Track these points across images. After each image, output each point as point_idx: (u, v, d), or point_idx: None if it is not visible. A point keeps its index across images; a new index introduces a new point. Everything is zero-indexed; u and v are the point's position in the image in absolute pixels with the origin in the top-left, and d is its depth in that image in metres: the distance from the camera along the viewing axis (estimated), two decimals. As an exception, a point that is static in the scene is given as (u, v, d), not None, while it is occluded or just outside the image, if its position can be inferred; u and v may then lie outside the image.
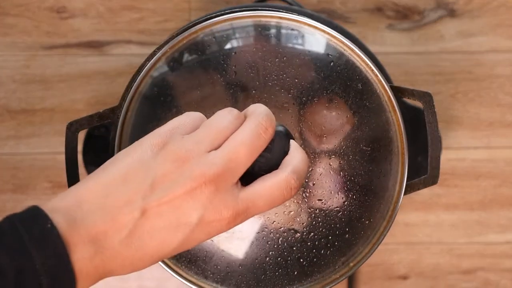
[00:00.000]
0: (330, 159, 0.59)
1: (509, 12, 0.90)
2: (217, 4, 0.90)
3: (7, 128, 0.89)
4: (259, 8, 0.61)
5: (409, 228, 0.91)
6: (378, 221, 0.60)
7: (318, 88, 0.60)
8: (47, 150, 0.90)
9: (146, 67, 0.60)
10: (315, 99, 0.60)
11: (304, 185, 0.59)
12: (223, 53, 0.60)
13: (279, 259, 0.60)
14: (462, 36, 0.90)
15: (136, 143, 0.45)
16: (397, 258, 0.91)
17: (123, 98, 0.60)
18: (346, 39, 0.60)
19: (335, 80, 0.60)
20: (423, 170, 0.61)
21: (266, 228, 0.60)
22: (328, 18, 0.83)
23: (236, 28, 0.60)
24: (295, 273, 0.60)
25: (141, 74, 0.60)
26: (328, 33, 0.60)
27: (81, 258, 0.42)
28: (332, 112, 0.60)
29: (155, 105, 0.61)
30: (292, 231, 0.60)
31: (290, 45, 0.60)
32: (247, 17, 0.60)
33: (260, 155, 0.45)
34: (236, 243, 0.60)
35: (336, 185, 0.59)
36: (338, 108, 0.60)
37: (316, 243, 0.60)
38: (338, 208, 0.60)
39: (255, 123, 0.45)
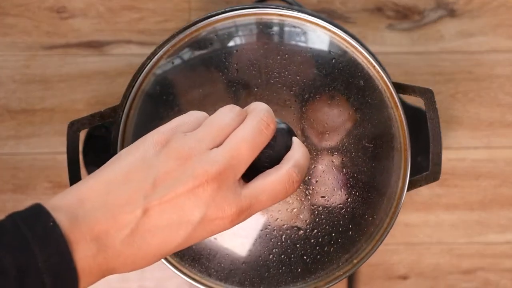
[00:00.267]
0: (332, 156, 0.60)
1: (509, 12, 0.90)
2: (217, 4, 0.90)
3: (7, 128, 0.89)
4: (260, 6, 0.61)
5: (409, 228, 0.91)
6: (381, 217, 0.60)
7: (320, 85, 0.60)
8: (47, 150, 0.90)
9: (148, 66, 0.60)
10: (317, 96, 0.60)
11: (307, 182, 0.59)
12: (225, 51, 0.60)
13: (282, 256, 0.60)
14: (462, 36, 0.90)
15: (138, 141, 0.45)
16: (397, 258, 0.91)
17: (125, 97, 0.60)
18: (348, 36, 0.60)
19: (337, 77, 0.60)
20: (423, 171, 0.61)
21: (269, 225, 0.60)
22: (328, 18, 0.83)
23: (238, 26, 0.60)
24: (299, 270, 0.60)
25: (143, 72, 0.60)
26: (330, 30, 0.60)
27: (83, 256, 0.41)
28: (334, 109, 0.60)
29: (157, 103, 0.61)
30: (296, 228, 0.60)
31: (292, 42, 0.60)
32: (249, 15, 0.60)
33: (263, 152, 0.45)
34: (240, 241, 0.60)
35: (338, 182, 0.59)
36: (340, 105, 0.60)
37: (320, 240, 0.60)
38: (341, 205, 0.60)
39: (257, 119, 0.45)
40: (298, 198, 0.59)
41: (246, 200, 0.44)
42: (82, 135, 0.85)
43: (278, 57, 0.59)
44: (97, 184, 0.43)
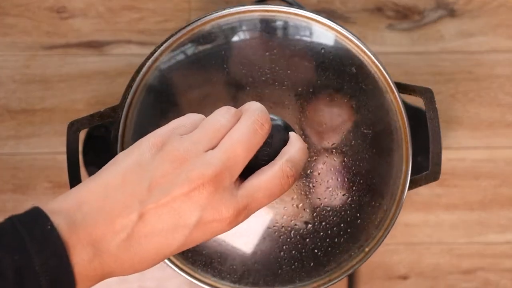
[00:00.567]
0: (332, 146, 0.59)
1: (509, 12, 0.90)
2: (217, 4, 0.90)
3: (7, 128, 0.89)
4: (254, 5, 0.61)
5: (409, 228, 0.91)
6: (388, 203, 0.60)
7: (318, 80, 0.60)
8: (47, 150, 0.90)
9: (147, 66, 0.60)
10: (315, 91, 0.60)
11: (309, 175, 0.59)
12: (219, 50, 0.60)
13: (293, 252, 0.60)
14: (462, 36, 0.90)
15: (135, 144, 0.45)
16: (397, 258, 0.91)
17: (124, 97, 0.60)
18: (350, 33, 0.60)
19: (335, 73, 0.60)
20: (423, 171, 0.61)
21: (277, 223, 0.60)
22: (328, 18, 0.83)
23: (230, 24, 0.61)
24: (311, 264, 0.60)
25: (142, 72, 0.60)
26: (332, 28, 0.60)
27: (80, 260, 0.41)
28: (331, 101, 0.60)
29: (156, 102, 0.61)
30: (304, 223, 0.60)
31: (281, 37, 0.60)
32: (232, 14, 0.60)
33: (260, 150, 0.45)
34: (249, 241, 0.60)
35: (341, 172, 0.59)
36: (339, 98, 0.60)
37: (329, 232, 0.60)
38: (346, 195, 0.60)
39: (251, 119, 0.45)
40: (303, 193, 0.59)
41: (242, 200, 0.44)
42: (82, 135, 0.85)
43: (267, 53, 0.60)
44: (95, 187, 0.43)
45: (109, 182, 0.43)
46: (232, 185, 0.44)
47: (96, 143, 0.86)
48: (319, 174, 0.59)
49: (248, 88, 0.60)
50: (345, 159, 0.59)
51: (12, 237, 0.40)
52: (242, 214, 0.44)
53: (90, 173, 0.86)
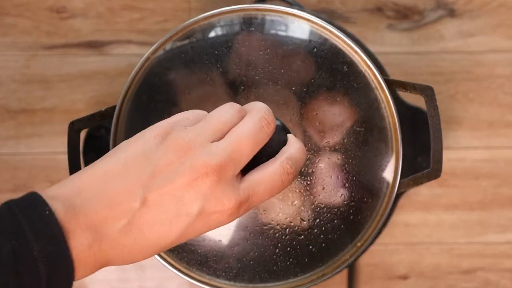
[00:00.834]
0: (325, 144, 0.60)
1: (509, 12, 0.90)
2: (217, 4, 0.90)
3: (7, 128, 0.89)
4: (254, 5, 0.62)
5: (409, 228, 0.91)
6: (379, 200, 0.61)
7: (311, 79, 0.60)
8: (47, 150, 0.90)
9: (146, 65, 0.60)
10: (308, 91, 0.60)
11: (304, 173, 0.60)
12: (213, 49, 0.61)
13: (288, 249, 0.61)
14: (462, 36, 0.90)
15: (138, 134, 0.45)
16: (397, 258, 0.91)
17: (124, 97, 0.61)
18: (341, 32, 0.60)
19: (327, 71, 0.60)
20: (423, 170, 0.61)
21: (272, 220, 0.60)
22: (328, 19, 0.83)
23: (222, 24, 0.61)
24: (306, 260, 0.61)
25: (141, 72, 0.61)
26: (324, 28, 0.60)
27: (79, 245, 0.41)
28: (326, 102, 0.60)
29: (155, 101, 0.61)
30: (298, 220, 0.60)
31: (273, 34, 0.61)
32: (233, 12, 0.61)
33: (261, 149, 0.46)
34: (245, 239, 0.60)
35: (335, 170, 0.60)
36: (332, 97, 0.60)
37: (323, 228, 0.60)
38: (340, 192, 0.60)
39: (258, 116, 0.45)
40: (298, 191, 0.60)
41: (244, 192, 0.44)
42: (82, 135, 0.85)
43: (260, 52, 0.60)
44: (95, 174, 0.43)
45: (112, 168, 0.43)
46: (234, 178, 0.44)
47: (96, 143, 0.86)
48: (313, 172, 0.60)
49: (242, 87, 0.60)
50: (338, 157, 0.60)
51: (9, 222, 0.40)
52: (243, 206, 0.44)
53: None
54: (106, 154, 0.45)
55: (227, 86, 0.60)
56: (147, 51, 0.61)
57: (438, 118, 0.59)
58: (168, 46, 0.61)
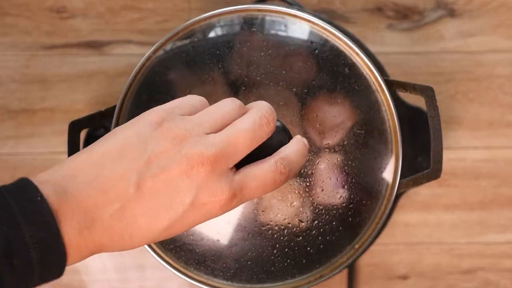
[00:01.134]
0: (325, 145, 0.60)
1: (509, 12, 0.90)
2: (217, 4, 0.90)
3: (7, 128, 0.89)
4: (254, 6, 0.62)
5: (409, 228, 0.91)
6: (378, 201, 0.61)
7: (312, 81, 0.60)
8: (47, 150, 0.90)
9: (146, 65, 0.60)
10: (309, 92, 0.60)
11: (303, 175, 0.60)
12: (214, 49, 0.61)
13: (286, 250, 0.61)
14: (462, 36, 0.90)
15: (134, 119, 0.45)
16: (397, 258, 0.91)
17: (124, 96, 0.61)
18: (341, 33, 0.60)
19: (328, 73, 0.60)
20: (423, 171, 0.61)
21: (271, 221, 0.60)
22: (328, 19, 0.83)
23: (222, 24, 0.61)
24: (304, 261, 0.61)
25: (141, 72, 0.61)
26: (325, 29, 0.60)
27: (70, 230, 0.41)
28: (327, 104, 0.60)
29: (154, 101, 0.61)
30: (297, 221, 0.60)
31: (273, 36, 0.61)
32: (234, 12, 0.61)
33: (258, 148, 0.46)
34: (243, 239, 0.61)
35: (334, 171, 0.60)
36: (333, 99, 0.60)
37: (321, 230, 0.60)
38: (339, 194, 0.60)
39: (259, 114, 0.45)
40: (297, 192, 0.60)
41: (238, 184, 0.44)
42: (82, 135, 0.85)
43: (262, 53, 0.60)
44: (89, 158, 0.43)
45: (106, 152, 0.43)
46: (228, 170, 0.44)
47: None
48: (312, 173, 0.60)
49: (243, 87, 0.60)
50: (338, 158, 0.60)
51: (0, 208, 0.40)
52: (235, 198, 0.44)
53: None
54: (102, 138, 0.44)
55: (228, 86, 0.60)
56: (147, 51, 0.61)
57: (438, 119, 0.59)
58: (169, 46, 0.61)
